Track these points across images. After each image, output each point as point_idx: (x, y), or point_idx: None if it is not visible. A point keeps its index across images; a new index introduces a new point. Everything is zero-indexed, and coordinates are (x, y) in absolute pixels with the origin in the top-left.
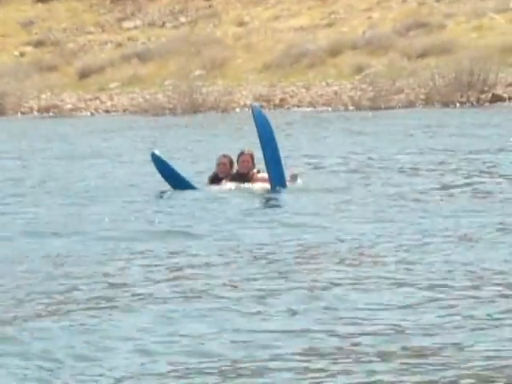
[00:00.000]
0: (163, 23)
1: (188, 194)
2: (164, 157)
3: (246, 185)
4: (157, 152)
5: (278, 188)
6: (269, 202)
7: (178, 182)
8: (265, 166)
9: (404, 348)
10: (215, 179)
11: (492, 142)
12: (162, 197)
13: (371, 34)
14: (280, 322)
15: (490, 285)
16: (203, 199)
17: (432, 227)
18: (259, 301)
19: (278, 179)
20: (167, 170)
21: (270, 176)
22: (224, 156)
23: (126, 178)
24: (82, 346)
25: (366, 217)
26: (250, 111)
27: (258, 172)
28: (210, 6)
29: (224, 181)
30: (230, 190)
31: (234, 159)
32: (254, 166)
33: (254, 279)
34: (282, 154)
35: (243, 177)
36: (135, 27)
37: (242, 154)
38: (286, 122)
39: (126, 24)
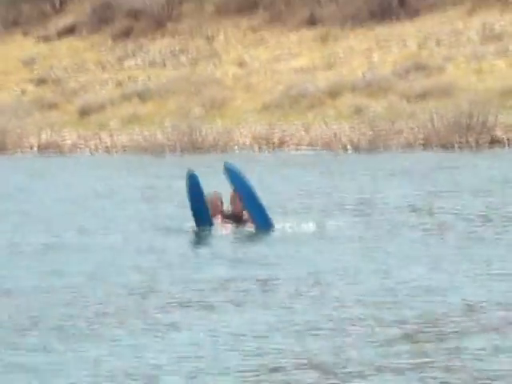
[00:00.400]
0: (164, 62)
1: (198, 234)
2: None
3: (242, 226)
4: (195, 173)
5: (264, 231)
6: (268, 243)
7: (200, 211)
8: (249, 214)
9: None
10: None
11: (485, 184)
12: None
13: (371, 76)
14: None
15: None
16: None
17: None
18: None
19: (263, 224)
20: (198, 196)
21: (255, 223)
22: (214, 193)
23: (133, 217)
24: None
25: (358, 257)
26: (223, 171)
27: None
28: (210, 46)
29: (219, 220)
30: (228, 230)
31: (225, 196)
32: None
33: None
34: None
35: (237, 217)
36: (136, 66)
37: (235, 193)
38: (284, 164)
39: (127, 62)
